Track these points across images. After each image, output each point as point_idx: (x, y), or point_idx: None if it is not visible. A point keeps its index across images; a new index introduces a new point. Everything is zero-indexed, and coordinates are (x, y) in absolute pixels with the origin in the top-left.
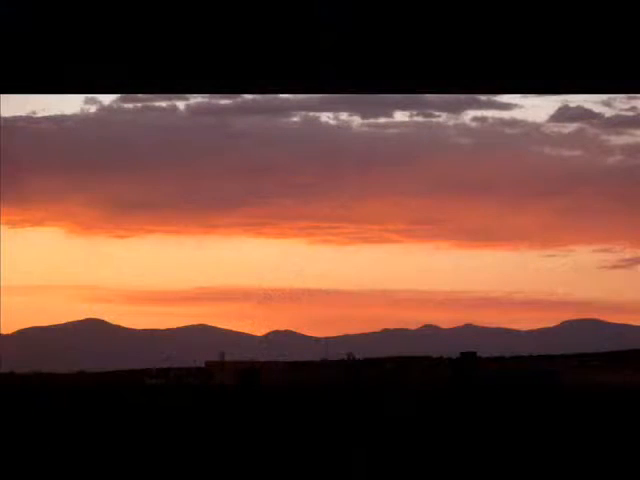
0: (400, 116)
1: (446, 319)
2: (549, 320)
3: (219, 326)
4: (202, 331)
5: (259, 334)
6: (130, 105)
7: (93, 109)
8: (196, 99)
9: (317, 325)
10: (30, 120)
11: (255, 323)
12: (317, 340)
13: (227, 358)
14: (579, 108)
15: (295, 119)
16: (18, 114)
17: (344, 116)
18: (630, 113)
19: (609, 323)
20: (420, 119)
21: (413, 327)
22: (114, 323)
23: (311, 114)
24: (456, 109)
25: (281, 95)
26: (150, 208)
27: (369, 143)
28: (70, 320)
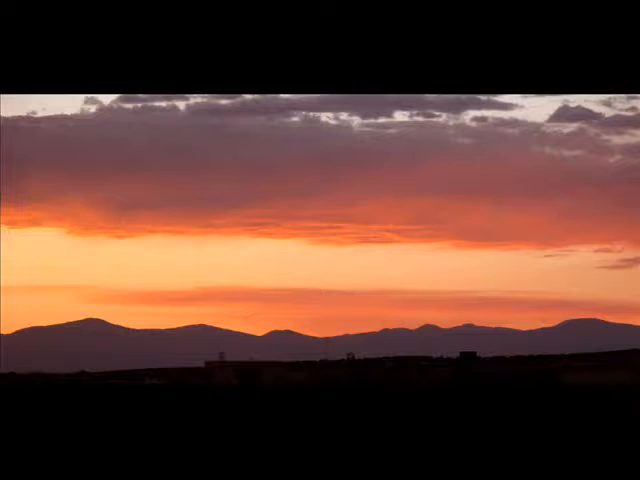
0: (400, 116)
1: (446, 319)
2: (549, 320)
3: (219, 326)
4: (202, 331)
5: (259, 334)
6: (130, 105)
7: (93, 109)
8: (196, 99)
9: (317, 325)
10: (30, 120)
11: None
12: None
13: (227, 358)
14: (579, 108)
15: (295, 119)
16: (18, 114)
17: (344, 116)
18: (630, 113)
19: (609, 323)
20: (420, 119)
21: (413, 327)
22: (114, 323)
23: (311, 114)
24: (456, 109)
25: (281, 95)
26: (150, 208)
27: (369, 143)
28: (70, 320)
